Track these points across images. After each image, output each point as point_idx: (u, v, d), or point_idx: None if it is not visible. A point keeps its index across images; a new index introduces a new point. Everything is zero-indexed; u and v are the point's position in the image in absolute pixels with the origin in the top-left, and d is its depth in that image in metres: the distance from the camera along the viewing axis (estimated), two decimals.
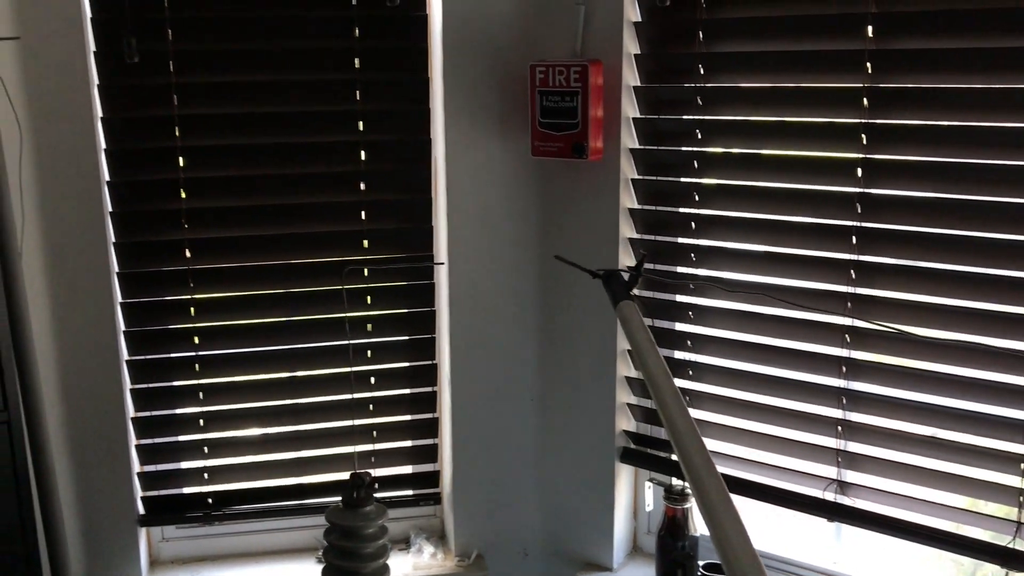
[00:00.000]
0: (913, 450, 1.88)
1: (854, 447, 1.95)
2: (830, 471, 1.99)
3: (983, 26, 1.69)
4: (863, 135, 1.82)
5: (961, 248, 1.76)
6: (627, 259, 2.18)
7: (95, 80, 2.07)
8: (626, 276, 1.71)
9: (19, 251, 1.95)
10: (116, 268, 2.16)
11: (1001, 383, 1.75)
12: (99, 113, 2.09)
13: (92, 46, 2.06)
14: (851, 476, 1.98)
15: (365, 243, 2.25)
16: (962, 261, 1.77)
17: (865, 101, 1.81)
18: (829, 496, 2.00)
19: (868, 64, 1.79)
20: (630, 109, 2.11)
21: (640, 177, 2.14)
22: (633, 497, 2.39)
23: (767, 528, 2.24)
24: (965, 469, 1.82)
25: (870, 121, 1.81)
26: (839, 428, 1.96)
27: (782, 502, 2.07)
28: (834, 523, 2.07)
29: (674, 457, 2.16)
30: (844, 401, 1.94)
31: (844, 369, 1.93)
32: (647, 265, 2.07)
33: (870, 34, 1.79)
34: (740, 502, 2.10)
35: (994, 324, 1.75)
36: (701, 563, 2.13)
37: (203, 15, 2.11)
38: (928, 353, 1.83)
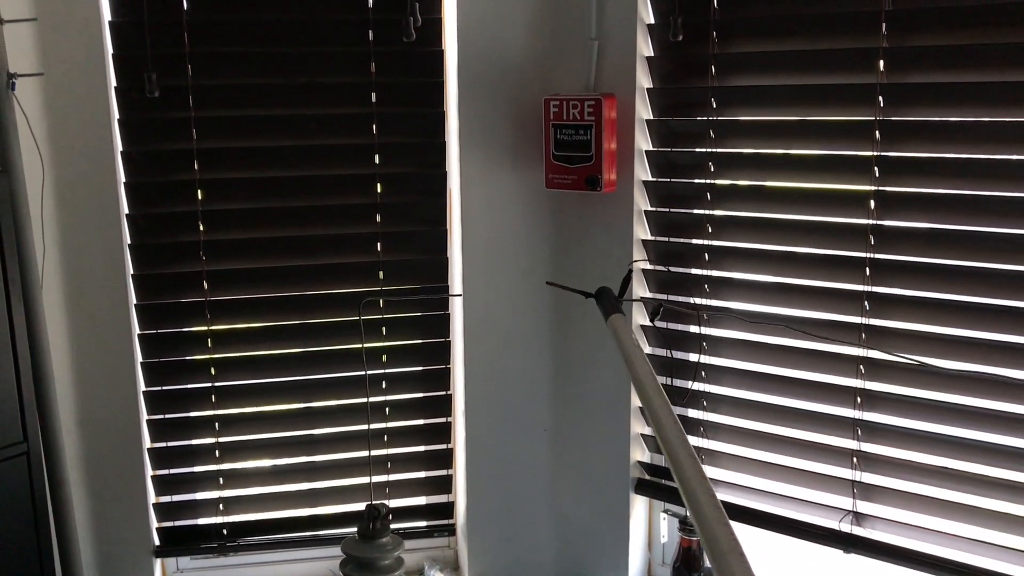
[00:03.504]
0: (929, 481, 1.88)
1: (869, 478, 1.95)
2: (846, 502, 1.99)
3: (994, 60, 1.71)
4: (875, 167, 1.84)
5: (975, 279, 1.77)
6: (641, 290, 2.20)
7: (115, 115, 2.10)
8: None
9: (40, 283, 1.97)
10: (134, 300, 2.18)
11: (1017, 414, 1.75)
12: (119, 147, 2.12)
13: (113, 82, 2.09)
14: (867, 507, 1.98)
15: (381, 274, 2.27)
16: (976, 292, 1.78)
17: (877, 134, 1.83)
18: (845, 527, 1.99)
19: (880, 98, 1.81)
20: (643, 142, 2.13)
21: (653, 209, 2.16)
22: (648, 528, 2.39)
23: (782, 560, 2.23)
24: (981, 500, 1.82)
25: (882, 154, 1.83)
26: (854, 459, 1.96)
27: (797, 533, 2.07)
28: (850, 555, 2.06)
29: (697, 416, 2.16)
30: (859, 432, 1.94)
31: (859, 400, 1.93)
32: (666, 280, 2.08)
33: (882, 68, 1.81)
34: (755, 533, 2.12)
35: (1009, 355, 1.75)
36: None
37: (222, 51, 2.14)
38: (943, 384, 1.83)
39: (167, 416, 2.26)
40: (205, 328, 2.23)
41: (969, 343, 1.79)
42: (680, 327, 2.17)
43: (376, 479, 2.34)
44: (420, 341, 2.34)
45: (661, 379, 2.21)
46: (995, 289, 1.76)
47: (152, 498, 2.29)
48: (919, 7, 1.78)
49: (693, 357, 2.17)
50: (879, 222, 1.86)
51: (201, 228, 2.18)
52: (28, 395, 1.84)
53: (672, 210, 2.14)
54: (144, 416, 2.24)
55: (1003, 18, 1.70)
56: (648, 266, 2.19)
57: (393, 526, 2.13)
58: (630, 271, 1.82)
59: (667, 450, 1.21)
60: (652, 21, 2.08)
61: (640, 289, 2.20)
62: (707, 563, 2.16)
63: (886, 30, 1.80)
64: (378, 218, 2.25)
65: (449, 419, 2.39)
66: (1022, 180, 1.71)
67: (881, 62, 1.81)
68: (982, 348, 1.78)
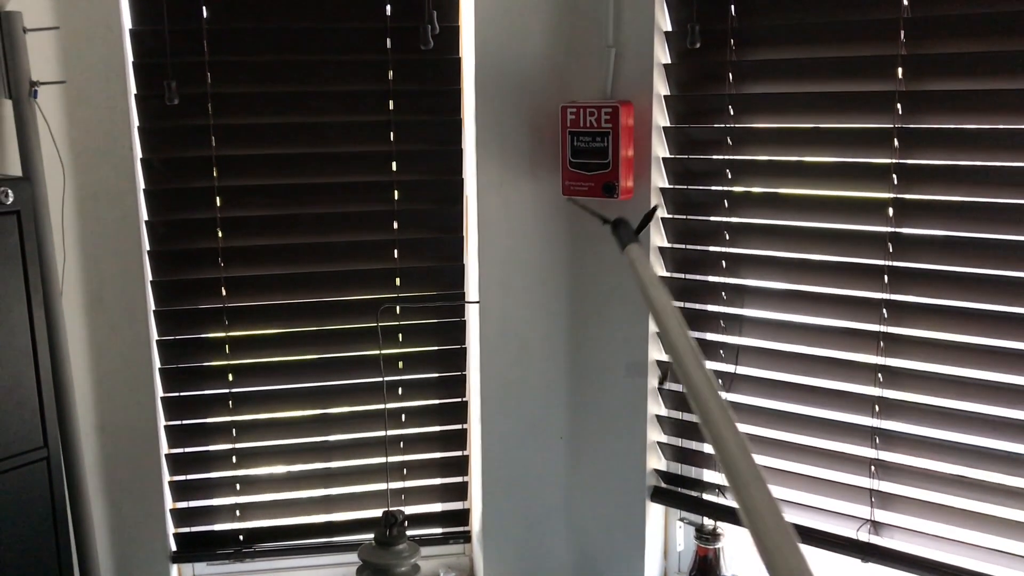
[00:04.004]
0: (947, 490, 1.87)
1: (887, 487, 1.94)
2: (863, 511, 1.98)
3: (1013, 68, 1.71)
4: (894, 175, 1.84)
5: (994, 287, 1.76)
6: None
7: (136, 122, 2.12)
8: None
9: (60, 289, 1.99)
10: (153, 306, 2.20)
11: None
12: (139, 154, 2.14)
13: (134, 89, 2.11)
14: (885, 516, 1.97)
15: (398, 281, 2.27)
16: (995, 300, 1.77)
17: (896, 141, 1.82)
18: (863, 536, 1.98)
19: (898, 105, 1.81)
20: (660, 149, 2.13)
21: (670, 216, 2.16)
22: (664, 537, 2.38)
23: None
24: (1000, 510, 1.81)
25: (901, 161, 1.83)
26: (872, 468, 1.95)
27: (815, 542, 2.06)
28: (867, 564, 2.05)
29: (703, 473, 2.16)
30: (877, 440, 1.94)
31: (877, 408, 1.92)
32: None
33: (900, 75, 1.81)
34: None
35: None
36: None
37: (241, 59, 2.16)
38: (961, 392, 1.82)
39: (184, 422, 2.27)
40: (223, 334, 2.24)
41: (988, 351, 1.79)
42: (698, 334, 2.17)
43: (393, 486, 2.34)
44: (436, 348, 2.35)
45: (675, 387, 2.22)
46: (1014, 297, 1.75)
47: (169, 503, 2.30)
48: (937, 15, 1.78)
49: (709, 364, 2.17)
50: (898, 230, 1.85)
51: (219, 235, 2.19)
52: (48, 401, 1.85)
53: (689, 217, 2.14)
54: (162, 422, 2.25)
55: (1021, 26, 1.69)
56: (665, 273, 2.19)
57: (409, 533, 2.13)
58: (655, 208, 1.81)
59: (685, 379, 1.16)
60: (669, 28, 2.09)
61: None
62: (724, 571, 2.15)
63: (904, 37, 1.80)
64: (395, 225, 2.26)
65: (465, 426, 2.40)
66: None
67: (900, 69, 1.81)
68: (1001, 356, 1.77)
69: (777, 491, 2.11)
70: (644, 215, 1.74)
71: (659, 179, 2.15)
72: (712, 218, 2.10)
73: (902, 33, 1.80)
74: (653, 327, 2.18)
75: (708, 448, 2.20)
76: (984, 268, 1.77)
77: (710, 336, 2.15)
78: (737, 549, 2.24)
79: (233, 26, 2.14)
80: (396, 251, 2.27)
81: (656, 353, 2.22)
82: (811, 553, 2.06)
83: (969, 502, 1.85)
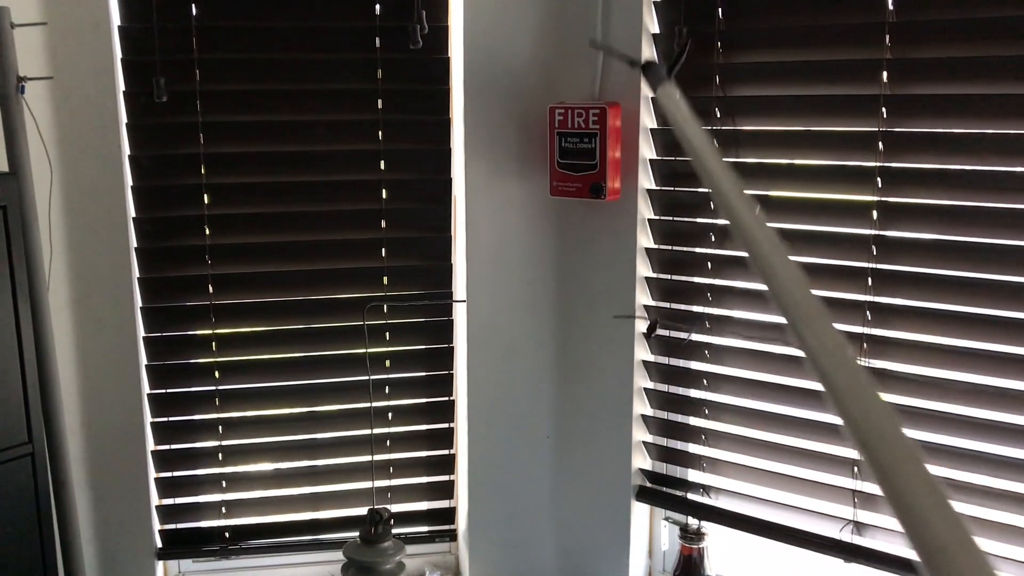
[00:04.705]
0: None
1: (870, 487, 1.96)
2: (846, 511, 2.00)
3: (997, 73, 1.72)
4: (878, 178, 1.85)
5: (978, 290, 1.78)
6: (644, 298, 2.20)
7: (124, 119, 2.12)
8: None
9: (46, 285, 1.99)
10: (140, 303, 2.20)
11: (1019, 425, 1.76)
12: (127, 151, 2.14)
13: (122, 86, 2.11)
14: (867, 517, 1.98)
15: (385, 280, 2.28)
16: (979, 303, 1.78)
17: (880, 144, 1.84)
18: (845, 537, 2.00)
19: (883, 109, 1.82)
20: (647, 151, 2.15)
21: (657, 217, 2.17)
22: (649, 536, 2.39)
23: (783, 569, 2.23)
24: (982, 511, 1.82)
25: (885, 164, 1.84)
26: (855, 468, 1.97)
27: (798, 542, 2.07)
28: (850, 564, 2.06)
29: (699, 424, 2.17)
30: None
31: None
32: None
33: (885, 79, 1.82)
34: (755, 542, 2.12)
35: (1011, 366, 1.76)
36: None
37: (230, 56, 2.16)
38: (943, 394, 1.84)
39: (171, 419, 2.27)
40: (210, 332, 2.24)
41: (970, 353, 1.80)
42: (683, 335, 2.18)
43: (378, 484, 2.35)
44: (424, 347, 2.35)
45: (661, 386, 2.23)
46: (998, 300, 1.76)
47: (155, 500, 2.30)
48: (922, 19, 1.80)
49: (695, 365, 2.18)
50: (882, 232, 1.86)
51: (207, 232, 2.20)
52: (33, 396, 1.85)
53: (676, 219, 2.15)
54: (148, 419, 2.25)
55: (1006, 31, 1.71)
56: (651, 274, 2.20)
57: (395, 531, 2.14)
58: (687, 43, 1.73)
59: (730, 215, 1.12)
60: (657, 31, 2.10)
61: (642, 296, 2.21)
62: (708, 571, 2.16)
63: (889, 41, 1.81)
64: (383, 224, 2.26)
65: (452, 425, 2.40)
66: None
67: (884, 73, 1.82)
68: (983, 358, 1.79)
69: (760, 491, 2.12)
70: (675, 54, 1.70)
71: (646, 180, 2.16)
72: (699, 220, 2.11)
73: (887, 37, 1.81)
74: (639, 328, 2.20)
75: (694, 448, 2.22)
76: (967, 271, 1.78)
77: (695, 337, 2.16)
78: (721, 548, 2.26)
79: (222, 23, 2.14)
80: (384, 250, 2.27)
81: (642, 353, 2.23)
82: (793, 554, 2.08)
83: (955, 503, 1.86)
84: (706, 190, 2.08)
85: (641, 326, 2.20)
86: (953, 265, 1.80)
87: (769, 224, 1.12)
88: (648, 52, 2.10)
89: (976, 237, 1.77)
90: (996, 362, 1.78)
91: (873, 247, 1.88)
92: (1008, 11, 1.70)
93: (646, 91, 2.11)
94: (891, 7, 1.80)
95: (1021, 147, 1.71)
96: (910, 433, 1.82)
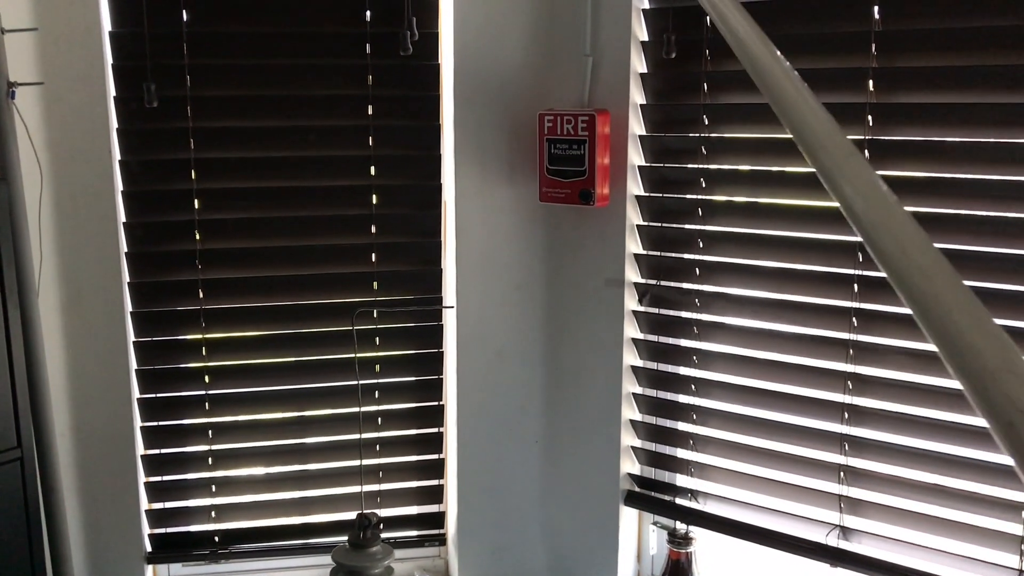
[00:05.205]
0: (915, 496, 1.90)
1: (856, 492, 1.97)
2: (833, 516, 2.01)
3: (983, 80, 1.74)
4: None
5: None
6: (633, 304, 2.21)
7: (114, 124, 2.13)
8: None
9: (36, 289, 1.99)
10: (130, 307, 2.20)
11: None
12: (117, 156, 2.14)
13: (113, 91, 2.12)
14: (853, 522, 1.99)
15: (375, 285, 2.29)
16: None
17: (867, 153, 1.85)
18: (832, 541, 2.01)
19: (869, 117, 1.84)
20: (636, 157, 2.16)
21: (646, 223, 2.18)
22: (637, 540, 2.40)
23: (770, 573, 2.24)
24: (967, 516, 1.84)
25: None
26: (841, 473, 1.98)
27: (785, 547, 2.08)
28: (836, 569, 2.07)
29: (687, 429, 2.17)
30: (846, 447, 1.96)
31: (846, 415, 1.95)
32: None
33: (871, 87, 1.83)
34: (742, 547, 2.13)
35: None
36: None
37: (221, 62, 2.17)
38: (929, 400, 1.85)
39: (161, 423, 2.28)
40: (200, 336, 2.25)
41: None
42: (671, 340, 2.19)
43: (367, 488, 2.36)
44: (413, 352, 2.36)
45: (649, 391, 2.24)
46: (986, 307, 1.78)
47: (144, 504, 2.30)
48: (908, 28, 1.81)
49: (683, 371, 2.19)
50: None
51: (197, 237, 2.20)
52: (23, 401, 1.85)
53: (664, 225, 2.16)
54: (138, 423, 2.25)
55: (992, 40, 1.73)
56: (640, 279, 2.21)
57: (384, 535, 2.15)
58: None
59: (751, 62, 1.09)
60: (646, 38, 2.11)
61: (632, 302, 2.22)
62: (696, 575, 2.17)
63: (876, 50, 1.83)
64: (373, 229, 2.27)
65: (441, 429, 2.41)
66: (1011, 200, 1.73)
67: (870, 82, 1.83)
68: None
69: (747, 495, 2.13)
70: None
71: (635, 187, 2.17)
72: (687, 226, 2.12)
73: (873, 46, 1.82)
74: (628, 333, 2.21)
75: (682, 453, 2.23)
76: None
77: (684, 342, 2.17)
78: (709, 553, 2.27)
79: (213, 29, 2.15)
80: (374, 255, 2.28)
81: (631, 358, 2.24)
82: (780, 558, 2.09)
83: (937, 508, 1.88)
84: (693, 197, 2.09)
85: (633, 304, 2.21)
86: None
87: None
88: (638, 62, 2.11)
89: (963, 245, 1.78)
90: None
91: (859, 253, 1.89)
92: (994, 21, 1.72)
93: (636, 98, 2.12)
94: (877, 16, 1.82)
95: (1007, 155, 1.73)
96: (894, 438, 1.84)
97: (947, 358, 0.71)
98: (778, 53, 1.07)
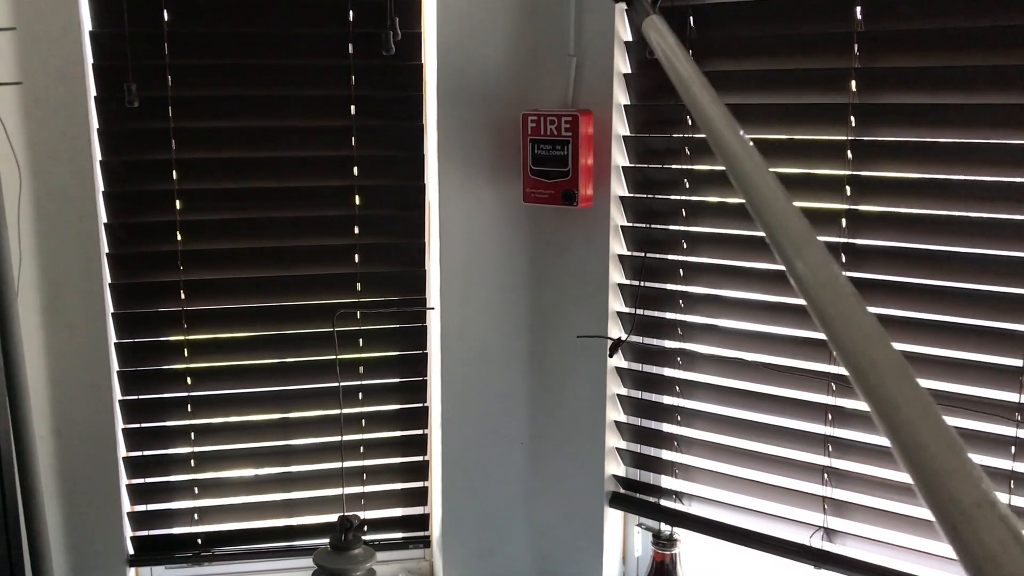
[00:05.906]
0: (899, 498, 1.89)
1: (840, 494, 1.97)
2: (817, 518, 2.00)
3: (965, 81, 1.74)
4: (847, 186, 1.86)
5: (947, 298, 1.79)
6: (617, 305, 2.21)
7: (95, 124, 2.11)
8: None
9: (15, 289, 1.98)
10: (111, 308, 2.19)
11: (985, 432, 1.77)
12: (98, 156, 2.13)
13: (93, 91, 2.10)
14: (838, 523, 1.99)
15: (358, 286, 2.28)
16: (948, 311, 1.80)
17: (849, 153, 1.85)
18: (816, 543, 2.00)
19: (852, 117, 1.83)
20: (620, 158, 2.15)
21: (630, 224, 2.18)
22: (622, 542, 2.39)
23: (754, 575, 2.24)
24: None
25: (854, 173, 1.85)
26: (825, 475, 1.97)
27: (768, 548, 2.08)
28: (821, 570, 2.07)
29: (671, 431, 2.17)
30: (830, 448, 1.96)
31: (830, 416, 1.94)
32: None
33: (854, 88, 1.83)
34: (726, 548, 2.13)
35: (980, 373, 1.77)
36: None
37: (203, 62, 2.16)
38: None
39: (143, 425, 2.26)
40: (182, 338, 2.23)
41: (939, 361, 1.81)
42: (655, 342, 2.18)
43: (351, 490, 2.34)
44: (397, 353, 2.35)
45: (634, 393, 2.24)
46: (966, 308, 1.77)
47: (127, 507, 2.29)
48: (891, 29, 1.81)
49: (667, 372, 2.19)
50: (851, 240, 1.87)
51: (179, 238, 2.19)
52: (2, 403, 1.84)
53: (648, 226, 2.15)
54: (120, 425, 2.24)
55: (975, 40, 1.72)
56: (624, 280, 2.20)
57: (368, 538, 2.14)
58: None
59: (720, 149, 1.11)
60: (629, 38, 2.10)
61: (616, 303, 2.21)
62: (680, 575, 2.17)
63: (858, 51, 1.82)
64: (356, 230, 2.26)
65: (425, 431, 2.40)
66: (994, 201, 1.73)
67: (853, 82, 1.83)
68: (952, 366, 1.80)
69: (731, 497, 2.13)
70: None
71: (619, 188, 2.16)
72: (671, 227, 2.12)
73: (856, 47, 1.82)
74: (612, 334, 2.20)
75: (667, 455, 2.22)
76: (936, 279, 1.79)
77: (668, 343, 2.17)
78: (693, 554, 2.26)
79: (194, 29, 2.13)
80: (357, 256, 2.27)
81: (615, 359, 2.23)
82: (764, 560, 2.09)
83: (921, 510, 1.87)
84: (677, 198, 2.09)
85: (618, 305, 2.21)
86: (922, 273, 1.81)
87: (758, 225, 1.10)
88: (621, 62, 2.10)
89: (945, 246, 1.78)
90: (964, 369, 1.79)
91: (842, 255, 1.88)
92: (977, 21, 1.72)
93: (619, 98, 2.11)
94: (859, 16, 1.81)
95: (991, 156, 1.72)
96: (878, 440, 1.83)
97: (898, 454, 0.72)
98: (744, 137, 1.07)
